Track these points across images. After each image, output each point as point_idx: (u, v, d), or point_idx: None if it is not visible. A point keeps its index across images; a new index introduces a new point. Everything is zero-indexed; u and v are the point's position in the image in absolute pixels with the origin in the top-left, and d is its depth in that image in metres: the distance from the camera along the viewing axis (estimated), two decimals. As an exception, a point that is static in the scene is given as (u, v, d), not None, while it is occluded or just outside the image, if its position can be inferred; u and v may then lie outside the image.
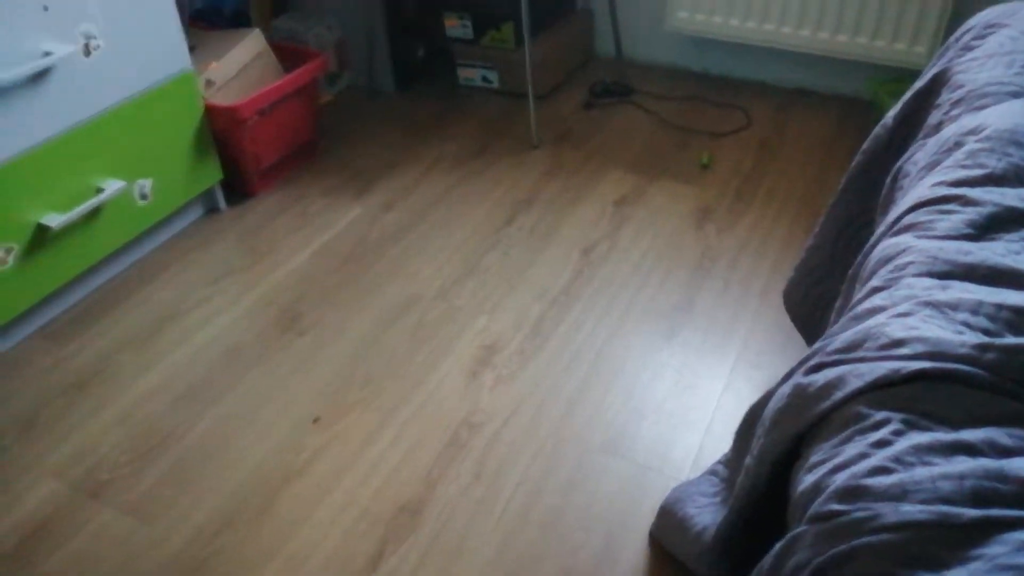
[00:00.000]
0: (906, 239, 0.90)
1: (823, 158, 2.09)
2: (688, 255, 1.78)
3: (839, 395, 0.74)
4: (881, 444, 0.68)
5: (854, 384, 0.74)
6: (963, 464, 0.63)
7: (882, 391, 0.72)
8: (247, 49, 1.95)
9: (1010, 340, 0.70)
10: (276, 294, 1.72)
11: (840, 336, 0.82)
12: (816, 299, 1.36)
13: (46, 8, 1.46)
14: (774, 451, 0.81)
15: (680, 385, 1.48)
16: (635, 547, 1.22)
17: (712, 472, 1.15)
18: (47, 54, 1.47)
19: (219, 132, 1.88)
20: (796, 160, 2.08)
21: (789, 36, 2.20)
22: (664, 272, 1.74)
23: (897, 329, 0.76)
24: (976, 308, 0.75)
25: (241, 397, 1.49)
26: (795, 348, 1.54)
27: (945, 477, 0.63)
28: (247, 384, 1.52)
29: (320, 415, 1.45)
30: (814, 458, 0.73)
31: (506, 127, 2.27)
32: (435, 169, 2.10)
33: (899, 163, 1.13)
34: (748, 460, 0.89)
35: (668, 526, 1.16)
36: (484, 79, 2.41)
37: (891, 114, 1.25)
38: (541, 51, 2.29)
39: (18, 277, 1.53)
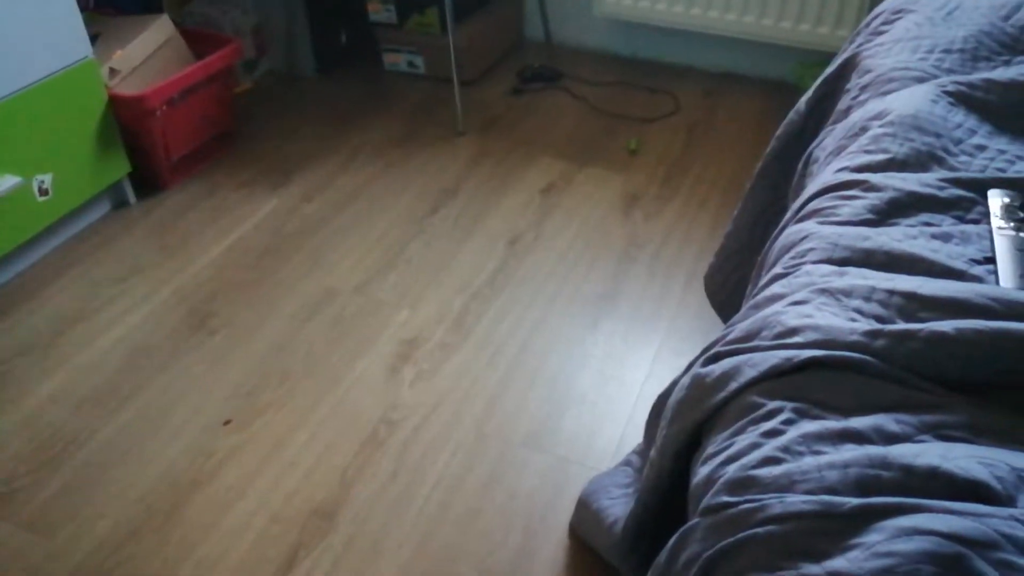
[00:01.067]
0: (809, 225, 0.89)
1: (750, 143, 2.09)
2: (614, 243, 1.77)
3: (734, 385, 0.73)
4: (772, 434, 0.67)
5: (749, 374, 0.72)
6: (849, 452, 0.62)
7: (775, 380, 0.70)
8: (154, 36, 1.86)
9: (900, 326, 0.69)
10: (187, 292, 1.65)
11: (739, 325, 0.80)
12: (735, 285, 1.35)
13: (-76, -8, 1.37)
14: (676, 442, 0.79)
15: (604, 376, 1.46)
16: (555, 540, 1.20)
17: (627, 463, 1.13)
18: (-73, 41, 1.38)
19: (126, 123, 1.80)
20: (724, 145, 2.08)
21: (716, 20, 2.19)
22: (590, 261, 1.72)
23: (792, 317, 0.74)
24: (869, 294, 0.74)
25: (149, 400, 1.43)
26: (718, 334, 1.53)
27: (831, 466, 0.61)
28: (155, 387, 1.45)
29: (232, 417, 1.39)
30: (709, 449, 0.71)
31: (432, 114, 2.22)
32: (357, 158, 2.05)
33: (810, 149, 1.12)
34: (652, 452, 0.87)
35: (585, 518, 1.14)
36: (410, 64, 2.36)
37: (803, 99, 1.24)
38: (467, 35, 2.24)
39: (-97, 279, 1.44)
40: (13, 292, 1.65)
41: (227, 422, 1.39)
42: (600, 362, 1.49)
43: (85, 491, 1.28)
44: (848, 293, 0.76)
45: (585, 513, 1.13)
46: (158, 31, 1.88)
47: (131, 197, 1.89)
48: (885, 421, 0.64)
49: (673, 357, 1.49)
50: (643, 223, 1.82)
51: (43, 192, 1.65)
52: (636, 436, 1.34)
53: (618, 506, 1.03)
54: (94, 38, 1.84)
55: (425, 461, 1.31)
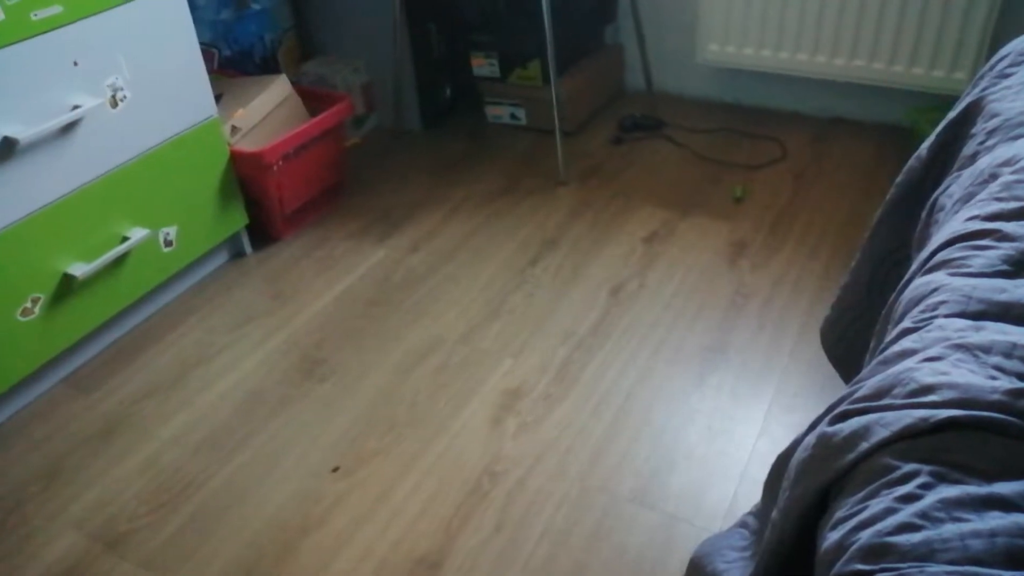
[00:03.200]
0: (938, 277, 0.84)
1: (862, 189, 2.02)
2: (721, 293, 1.73)
3: (865, 446, 0.69)
4: (908, 498, 0.62)
5: (880, 434, 0.68)
6: (995, 520, 0.57)
7: (910, 441, 0.66)
8: (273, 95, 1.97)
9: (1050, 386, 0.64)
10: (298, 339, 1.71)
11: (867, 382, 0.76)
12: (853, 338, 1.29)
13: (76, 63, 1.49)
14: (800, 505, 0.75)
15: (712, 430, 1.42)
16: (663, 603, 1.16)
17: (742, 524, 1.08)
18: (75, 107, 1.50)
19: (245, 177, 1.89)
20: (834, 192, 2.02)
21: (823, 65, 2.15)
22: (695, 311, 1.69)
23: (926, 374, 0.70)
24: (1010, 351, 0.69)
25: (261, 445, 1.47)
26: (834, 390, 1.46)
27: (976, 535, 0.57)
28: (268, 431, 1.50)
29: (340, 463, 1.42)
30: (839, 513, 0.67)
31: (534, 164, 2.25)
32: (461, 209, 2.09)
33: (934, 196, 1.07)
34: (774, 514, 0.83)
35: (696, 582, 1.09)
36: (512, 116, 2.40)
37: (925, 145, 1.19)
38: (569, 87, 2.27)
39: (44, 326, 1.54)
40: (139, 338, 1.75)
41: (335, 468, 1.41)
42: (708, 416, 1.44)
43: (201, 532, 1.33)
44: (987, 349, 0.71)
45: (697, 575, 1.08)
46: (276, 90, 1.98)
47: (248, 248, 1.98)
48: (1036, 489, 0.59)
49: (786, 413, 1.43)
50: (750, 272, 1.78)
51: (168, 243, 1.75)
52: (749, 495, 1.29)
53: (734, 570, 0.99)
54: (218, 98, 1.96)
55: (530, 514, 1.30)
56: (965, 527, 0.58)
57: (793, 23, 2.12)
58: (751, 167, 2.15)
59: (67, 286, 1.56)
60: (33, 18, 1.39)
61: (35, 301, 1.52)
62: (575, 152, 2.29)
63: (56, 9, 1.42)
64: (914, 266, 0.94)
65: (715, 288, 1.74)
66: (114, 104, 1.57)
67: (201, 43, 2.15)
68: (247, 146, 1.90)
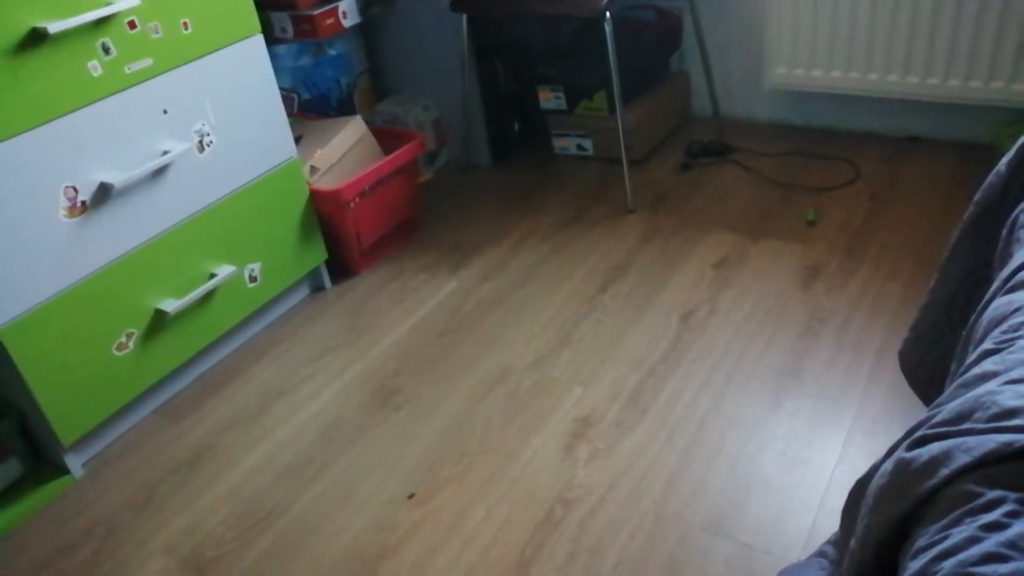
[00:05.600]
0: (1021, 296, 0.82)
1: (940, 208, 1.96)
2: (795, 317, 1.70)
3: (945, 472, 0.67)
4: (994, 527, 0.60)
5: (962, 459, 0.66)
6: (1091, 553, 0.55)
7: (994, 467, 0.64)
8: (349, 135, 2.04)
9: None
10: (375, 369, 1.75)
11: (947, 406, 0.74)
12: (934, 361, 1.25)
13: (165, 111, 1.58)
14: (878, 533, 0.74)
15: (789, 458, 1.39)
16: (743, 635, 1.13)
17: (821, 554, 1.05)
18: (165, 152, 1.59)
19: (323, 214, 1.97)
20: (911, 212, 1.97)
21: (896, 84, 2.11)
22: (769, 336, 1.66)
23: (1009, 397, 0.68)
24: (1100, 372, 0.66)
25: (339, 473, 1.51)
26: (915, 415, 1.40)
27: (1070, 568, 0.55)
28: (345, 460, 1.54)
29: (415, 491, 1.45)
30: (920, 542, 0.66)
31: (601, 193, 2.26)
32: (530, 239, 2.11)
33: (1015, 213, 1.04)
34: (852, 542, 0.81)
35: (776, 613, 1.07)
36: (579, 147, 2.43)
37: (1004, 160, 1.16)
38: (635, 116, 2.29)
39: (138, 360, 1.63)
40: (225, 370, 1.82)
41: (411, 496, 1.44)
42: (784, 443, 1.41)
43: (283, 559, 1.37)
44: (1074, 371, 0.69)
45: (776, 606, 1.06)
46: (352, 131, 2.06)
47: (327, 282, 2.05)
48: None
49: (866, 439, 1.39)
50: (825, 296, 1.74)
51: (252, 279, 1.83)
52: (828, 525, 1.26)
53: (813, 600, 0.96)
54: (297, 140, 2.05)
55: (603, 543, 1.29)
56: (1055, 556, 0.56)
57: (862, 42, 2.09)
58: (823, 189, 2.11)
59: (159, 321, 1.65)
60: (127, 71, 1.49)
61: (129, 336, 1.60)
62: (643, 180, 2.30)
63: (148, 62, 1.52)
64: (995, 285, 0.91)
65: (789, 312, 1.71)
66: (201, 149, 1.66)
67: (281, 88, 2.25)
68: (325, 185, 1.97)
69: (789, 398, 1.50)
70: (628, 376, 1.62)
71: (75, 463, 1.59)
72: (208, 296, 1.73)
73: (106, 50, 1.45)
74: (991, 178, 1.17)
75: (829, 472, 1.34)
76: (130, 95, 1.51)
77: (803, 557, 1.20)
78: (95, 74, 1.45)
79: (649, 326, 1.74)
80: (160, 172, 1.59)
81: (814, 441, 1.41)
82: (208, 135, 1.67)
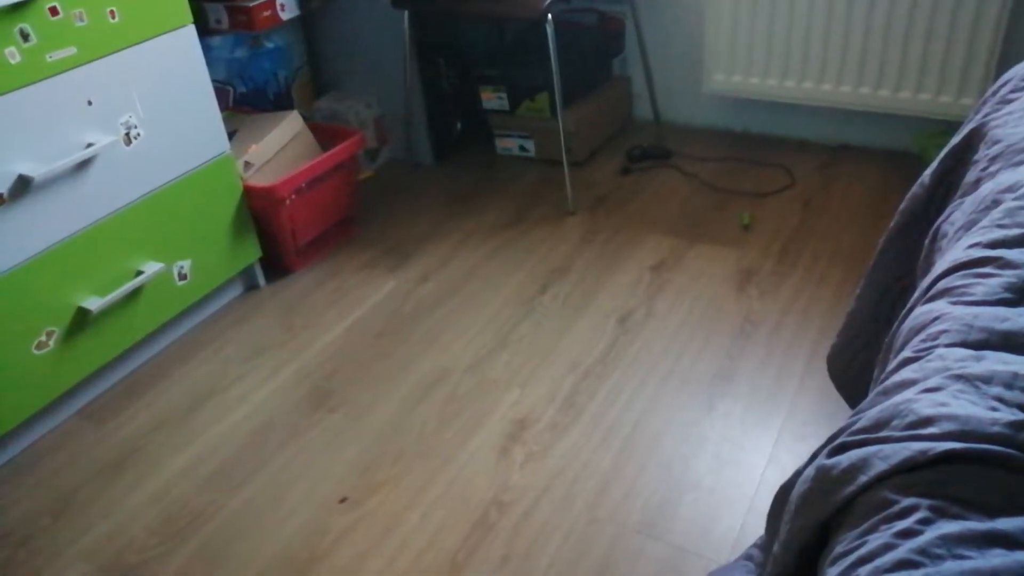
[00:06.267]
0: (940, 306, 0.84)
1: (871, 216, 2.01)
2: (729, 320, 1.72)
3: (863, 479, 0.68)
4: (907, 534, 0.62)
5: (879, 467, 0.68)
6: (998, 559, 0.56)
7: (909, 475, 0.66)
8: (285, 130, 2.00)
9: (1049, 417, 0.63)
10: (310, 370, 1.72)
11: (867, 413, 0.76)
12: (861, 367, 1.28)
13: (90, 102, 1.52)
14: (800, 538, 0.75)
15: (721, 460, 1.41)
16: (672, 637, 1.14)
17: (748, 557, 1.07)
18: (89, 145, 1.53)
19: (258, 211, 1.92)
20: (842, 219, 2.02)
21: (830, 93, 2.16)
22: (703, 339, 1.68)
23: (925, 406, 0.70)
24: (1011, 381, 0.68)
25: (270, 477, 1.48)
26: (843, 418, 1.45)
27: (977, 573, 0.56)
28: (277, 462, 1.51)
29: (347, 495, 1.42)
30: (838, 548, 0.67)
31: (543, 195, 2.26)
32: (471, 240, 2.10)
33: (937, 223, 1.07)
34: (776, 547, 0.82)
35: (704, 615, 1.08)
36: (521, 148, 2.42)
37: (928, 172, 1.19)
38: (577, 118, 2.29)
39: (59, 359, 1.56)
40: (153, 370, 1.77)
41: (343, 500, 1.41)
42: (717, 445, 1.43)
43: (209, 565, 1.33)
44: (987, 380, 0.71)
45: (704, 608, 1.07)
46: (289, 126, 2.01)
47: (261, 280, 2.00)
48: (1037, 523, 0.59)
49: (795, 442, 1.42)
50: (759, 300, 1.77)
51: (182, 277, 1.77)
52: (757, 526, 1.28)
53: (739, 603, 0.98)
54: (232, 135, 1.99)
55: (536, 546, 1.29)
56: (966, 565, 0.57)
57: (798, 51, 2.14)
58: (759, 195, 2.15)
59: (82, 319, 1.58)
60: (48, 59, 1.43)
61: (50, 334, 1.54)
62: (584, 182, 2.31)
63: (71, 50, 1.46)
64: (916, 294, 0.93)
65: (723, 316, 1.74)
66: (128, 142, 1.60)
67: (216, 81, 2.19)
68: (260, 181, 1.93)
69: (722, 401, 1.53)
70: (565, 378, 1.62)
71: (-10, 467, 1.53)
72: (135, 294, 1.67)
73: (25, 36, 1.39)
74: (915, 189, 1.21)
75: (759, 474, 1.37)
76: (52, 84, 1.45)
77: (732, 558, 1.22)
78: (12, 61, 1.38)
79: (587, 328, 1.75)
80: (84, 165, 1.53)
81: (745, 443, 1.43)
82: (136, 127, 1.61)
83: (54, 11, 1.43)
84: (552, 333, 1.74)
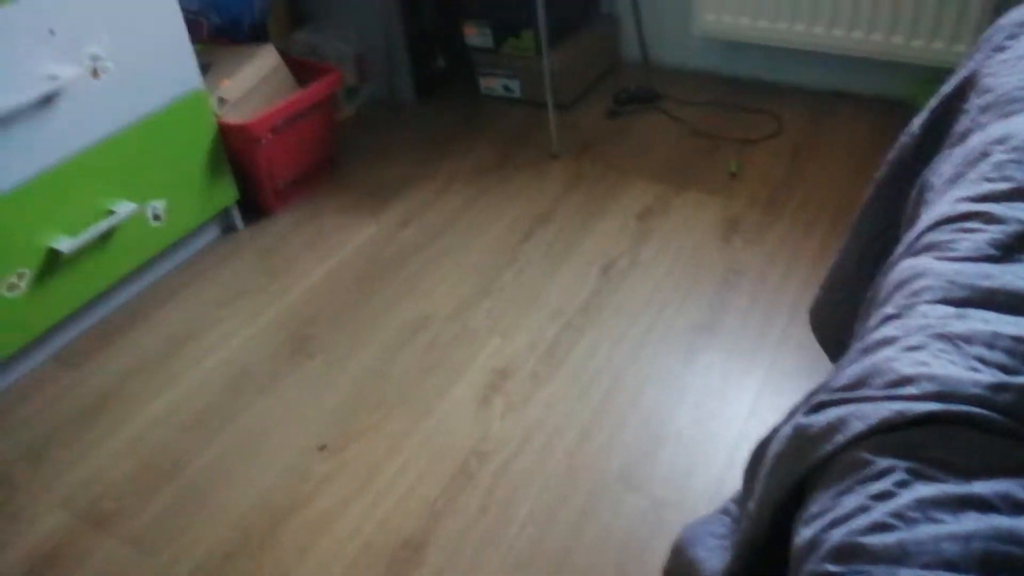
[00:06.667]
0: (923, 261, 0.82)
1: (860, 165, 1.99)
2: (713, 270, 1.71)
3: (840, 439, 0.67)
4: (883, 496, 0.61)
5: (856, 427, 0.67)
6: (972, 522, 0.56)
7: (887, 435, 0.65)
8: (261, 65, 1.93)
9: (1030, 380, 0.62)
10: (288, 315, 1.70)
11: (847, 370, 0.75)
12: (842, 320, 1.27)
13: (52, 32, 1.46)
14: (775, 496, 0.74)
15: (701, 411, 1.41)
16: (647, 585, 1.15)
17: (724, 511, 1.07)
18: (53, 78, 1.47)
19: (234, 151, 1.87)
20: (831, 168, 1.99)
21: (822, 37, 2.10)
22: (687, 289, 1.67)
23: (905, 365, 0.68)
24: (992, 341, 0.67)
25: (249, 422, 1.47)
26: (824, 372, 1.45)
27: (951, 538, 0.55)
28: (256, 409, 1.49)
29: (327, 442, 1.41)
30: (812, 508, 0.66)
31: (528, 138, 2.22)
32: (454, 183, 2.06)
33: (924, 174, 1.05)
34: (751, 504, 0.82)
35: (679, 567, 1.08)
36: (506, 88, 2.37)
37: (917, 121, 1.16)
38: (563, 58, 2.23)
39: (31, 302, 1.53)
40: (128, 314, 1.74)
41: (322, 447, 1.41)
42: (698, 396, 1.43)
43: (187, 511, 1.32)
44: (968, 339, 0.69)
45: (680, 561, 1.08)
46: (264, 61, 1.95)
47: (239, 223, 1.96)
48: (1013, 488, 0.58)
49: (775, 396, 1.42)
50: (744, 249, 1.75)
51: (156, 218, 1.73)
52: (736, 478, 1.28)
53: (715, 558, 0.98)
54: (205, 68, 1.93)
55: (516, 496, 1.29)
56: (941, 529, 0.57)
57: (792, -7, 2.07)
58: (747, 141, 2.11)
59: (54, 261, 1.55)
60: (9, -12, 1.36)
61: (21, 276, 1.50)
62: (569, 125, 2.26)
63: (33, -21, 1.39)
64: (900, 248, 0.92)
65: (707, 265, 1.72)
66: (95, 75, 1.54)
67: (189, 12, 2.11)
68: (235, 118, 1.87)
69: (704, 352, 1.52)
70: (547, 327, 1.61)
71: (-37, 411, 1.51)
72: (108, 235, 1.63)
73: (-17, -36, 1.32)
74: (903, 138, 1.18)
75: (739, 426, 1.37)
76: (9, 12, 1.38)
77: (711, 511, 1.22)
78: (-30, -10, 1.32)
79: (570, 277, 1.73)
80: (49, 101, 1.47)
81: (726, 395, 1.43)
82: (102, 59, 1.55)
83: (12, -63, 1.35)
84: (535, 281, 1.72)
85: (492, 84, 2.38)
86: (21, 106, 1.42)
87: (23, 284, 1.51)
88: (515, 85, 2.34)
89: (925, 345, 0.71)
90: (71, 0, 1.47)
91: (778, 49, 2.27)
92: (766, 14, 2.14)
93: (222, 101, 1.86)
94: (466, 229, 1.90)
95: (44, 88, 1.45)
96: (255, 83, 1.92)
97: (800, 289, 1.63)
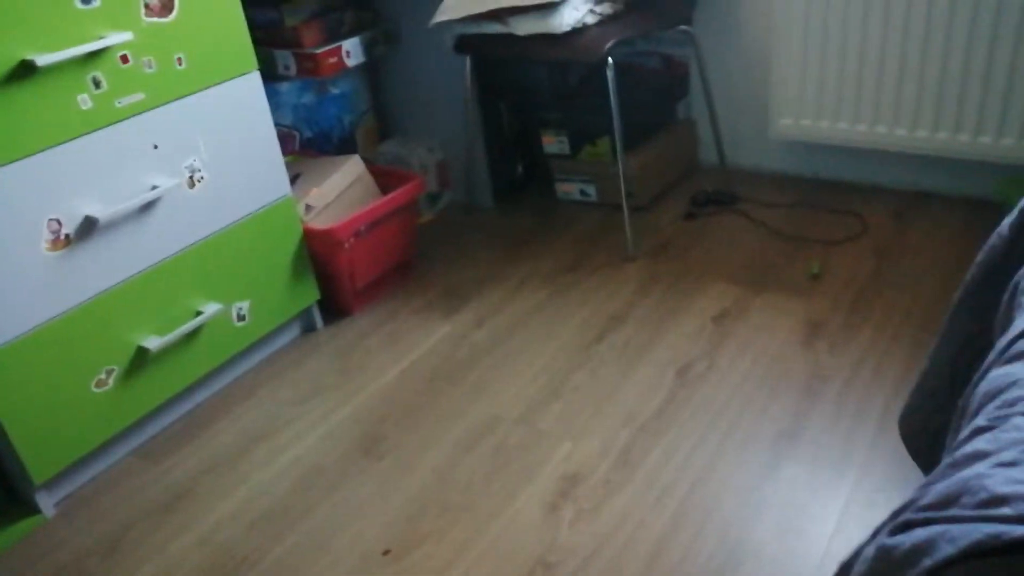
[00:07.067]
0: (1018, 369, 0.76)
1: (950, 268, 1.90)
2: (795, 375, 1.64)
3: (928, 563, 0.61)
4: (978, 632, 0.55)
5: (945, 551, 0.61)
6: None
7: (979, 560, 0.59)
8: (346, 174, 2.02)
9: None
10: (361, 414, 1.70)
11: (935, 487, 0.69)
12: (936, 430, 1.19)
13: (156, 146, 1.57)
14: (859, 625, 0.68)
15: (784, 527, 1.32)
16: None
17: (807, 636, 0.99)
18: (154, 187, 1.57)
19: (317, 254, 1.94)
20: (918, 270, 1.91)
21: (904, 138, 2.07)
22: (768, 395, 1.60)
23: (999, 483, 0.62)
24: (1099, 460, 0.61)
25: (316, 523, 1.46)
26: (917, 485, 1.35)
27: None
28: (324, 509, 1.49)
29: (391, 546, 1.39)
30: (899, 642, 0.60)
31: (602, 240, 2.23)
32: (528, 284, 2.07)
33: (1017, 277, 0.99)
34: (834, 632, 0.75)
35: None
36: (582, 192, 2.40)
37: (1007, 221, 1.11)
38: (639, 162, 2.26)
39: (117, 398, 1.59)
40: (209, 410, 1.78)
41: (386, 552, 1.38)
42: (779, 509, 1.35)
43: (250, 613, 1.31)
44: (1073, 456, 0.63)
45: None
46: (350, 170, 2.04)
47: (319, 322, 2.01)
48: None
49: (865, 510, 1.32)
50: (828, 354, 1.68)
51: (240, 318, 1.80)
52: (821, 599, 1.19)
53: None
54: (295, 178, 2.03)
55: (582, 609, 1.23)
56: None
57: (870, 94, 2.06)
58: (829, 243, 2.06)
59: (141, 359, 1.61)
60: (117, 105, 1.48)
61: (109, 373, 1.57)
62: (646, 227, 2.26)
63: (139, 96, 1.51)
64: (992, 355, 0.86)
65: (789, 370, 1.65)
66: (191, 184, 1.64)
67: (283, 126, 2.25)
68: (320, 224, 1.95)
69: (787, 462, 1.44)
70: (619, 432, 1.56)
71: (47, 502, 1.55)
72: (193, 334, 1.70)
73: (97, 84, 1.44)
74: (993, 239, 1.12)
75: (824, 544, 1.27)
76: (120, 129, 1.50)
77: (792, 635, 1.13)
78: (84, 107, 1.44)
79: (644, 379, 1.69)
80: (148, 207, 1.57)
81: (810, 509, 1.34)
82: (199, 171, 1.65)
83: (125, 59, 1.48)
84: (608, 383, 1.69)
85: (569, 189, 2.42)
86: (124, 213, 1.52)
87: (111, 381, 1.57)
88: (591, 189, 2.37)
89: (1021, 461, 0.65)
90: (175, 118, 1.58)
91: (860, 150, 2.24)
92: (846, 116, 2.12)
93: (309, 208, 1.94)
94: (538, 330, 1.89)
95: (146, 197, 1.55)
96: (340, 191, 2.01)
97: (890, 397, 1.54)
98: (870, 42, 2.01)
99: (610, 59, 1.94)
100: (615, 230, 2.26)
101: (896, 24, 1.96)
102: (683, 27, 2.16)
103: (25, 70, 1.35)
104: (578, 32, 1.97)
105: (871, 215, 2.16)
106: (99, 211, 1.48)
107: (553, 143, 2.35)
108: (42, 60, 1.34)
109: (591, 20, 2.01)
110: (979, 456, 0.68)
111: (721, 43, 2.35)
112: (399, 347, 1.91)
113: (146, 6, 1.50)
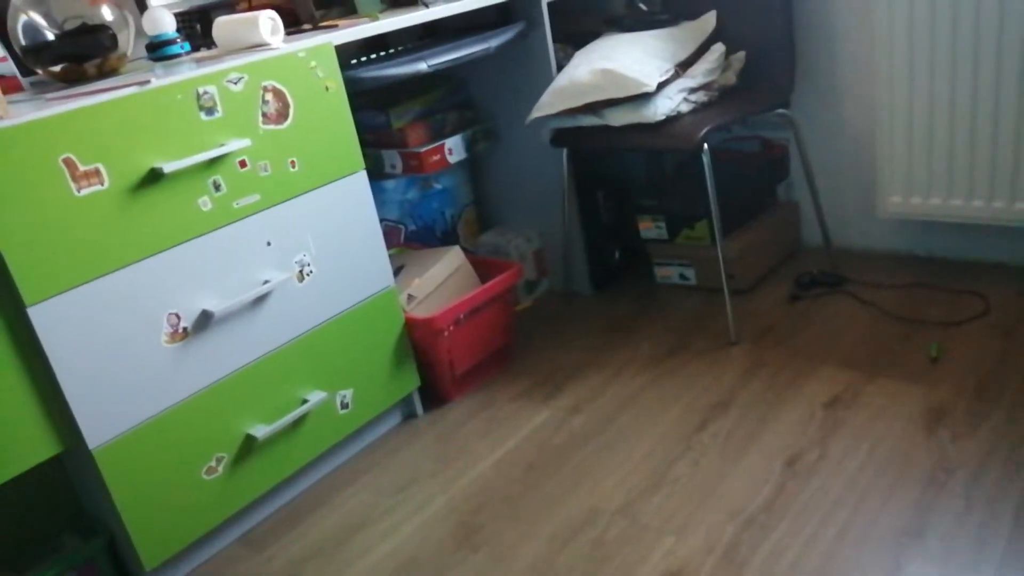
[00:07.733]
0: None
1: (1089, 348, 1.76)
2: (917, 466, 1.53)
3: None
4: None
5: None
6: None
7: None
8: (447, 265, 2.08)
9: None
10: (458, 503, 1.69)
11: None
12: (1081, 529, 1.08)
13: (269, 243, 1.66)
14: None
15: (910, 632, 1.21)
16: None
17: None
18: (266, 281, 1.66)
19: (418, 342, 1.98)
20: (1052, 351, 1.77)
21: (1026, 212, 1.96)
22: (887, 488, 1.49)
23: None
24: None
25: (412, 616, 1.44)
26: (1066, 591, 1.21)
27: None
28: (420, 602, 1.47)
29: (487, 642, 1.35)
30: None
31: (703, 325, 2.18)
32: (627, 370, 2.04)
33: None
34: None
35: None
36: (681, 276, 2.37)
37: None
38: (739, 245, 2.22)
39: (226, 485, 1.64)
40: (311, 498, 1.81)
41: (482, 648, 1.34)
42: (905, 615, 1.24)
43: None
44: None
45: None
46: (450, 261, 2.09)
47: (419, 409, 2.04)
48: None
49: (1004, 617, 1.20)
50: (953, 444, 1.56)
51: (344, 406, 1.84)
52: None
53: None
54: (398, 270, 2.10)
55: None
56: None
57: (984, 167, 1.97)
58: (948, 324, 1.94)
59: (248, 446, 1.67)
60: (235, 206, 1.59)
61: (219, 460, 1.63)
62: (748, 311, 2.20)
63: (255, 197, 1.61)
64: None
65: (910, 461, 1.54)
66: (301, 278, 1.72)
67: (389, 220, 2.35)
68: (421, 313, 1.99)
69: (911, 562, 1.33)
70: (725, 526, 1.48)
71: (158, 588, 1.60)
72: (298, 422, 1.75)
73: (217, 187, 1.55)
74: None
75: (958, 655, 1.16)
76: (236, 228, 1.60)
77: None
78: (205, 209, 1.54)
79: (751, 470, 1.61)
80: (260, 300, 1.65)
81: (940, 615, 1.22)
82: (308, 265, 1.73)
83: (243, 163, 1.59)
84: (711, 474, 1.62)
85: (667, 273, 2.39)
86: (238, 307, 1.61)
87: (220, 468, 1.63)
88: (691, 273, 2.34)
89: None
90: (287, 216, 1.68)
91: (977, 226, 2.14)
92: (959, 192, 2.03)
93: (411, 298, 2.00)
94: (638, 417, 1.85)
95: (259, 291, 1.63)
96: (441, 281, 2.06)
97: (1027, 492, 1.41)
98: (981, 112, 1.93)
99: (705, 145, 1.95)
100: (716, 314, 2.21)
101: (1008, 91, 1.88)
102: (780, 110, 2.15)
103: (153, 177, 1.46)
104: (673, 120, 1.99)
105: (993, 294, 2.03)
106: (215, 305, 1.57)
107: (650, 228, 2.35)
108: (169, 167, 1.46)
109: (685, 108, 2.03)
110: None
111: (821, 123, 2.31)
112: (497, 434, 1.90)
113: (264, 115, 1.62)
